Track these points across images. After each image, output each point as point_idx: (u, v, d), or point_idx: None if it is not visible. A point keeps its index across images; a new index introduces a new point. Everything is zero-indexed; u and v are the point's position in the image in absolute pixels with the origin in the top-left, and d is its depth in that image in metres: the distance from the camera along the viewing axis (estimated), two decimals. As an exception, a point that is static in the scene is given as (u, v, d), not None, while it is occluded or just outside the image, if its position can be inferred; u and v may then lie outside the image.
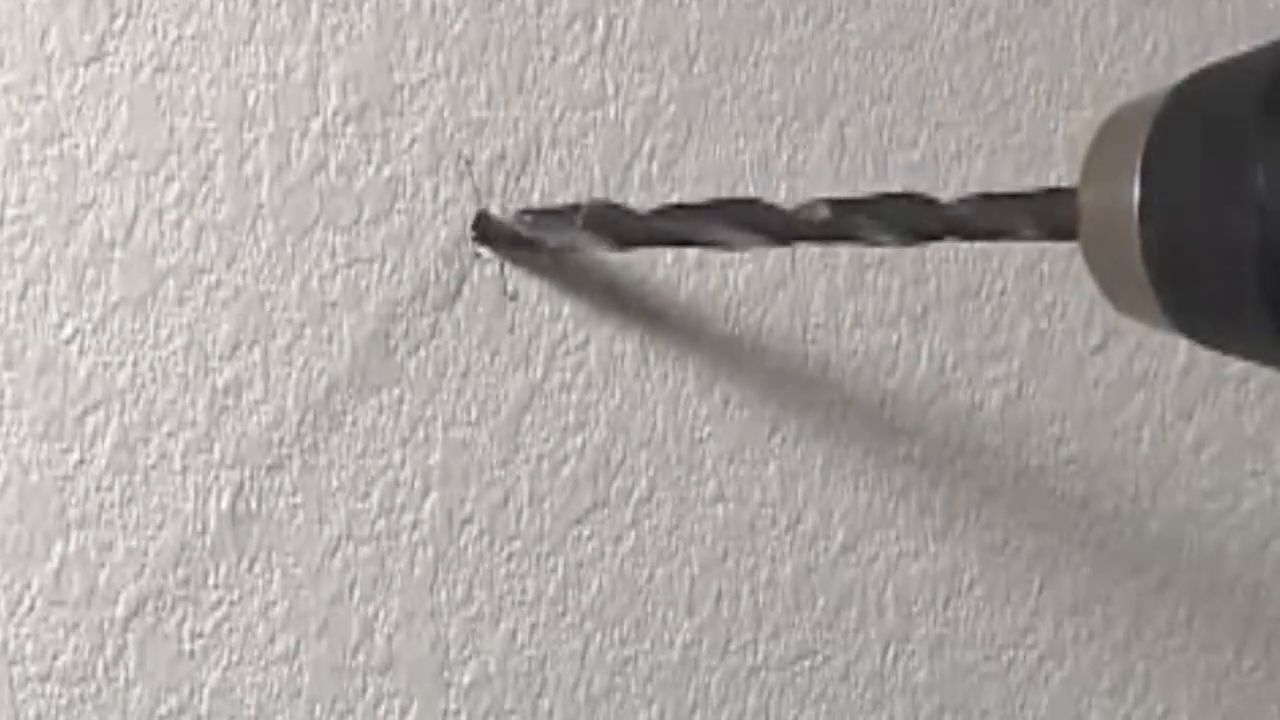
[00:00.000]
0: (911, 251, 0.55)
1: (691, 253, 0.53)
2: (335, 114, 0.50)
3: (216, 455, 0.50)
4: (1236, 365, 0.58)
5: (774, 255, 0.54)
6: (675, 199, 0.53)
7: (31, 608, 0.49)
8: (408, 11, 0.51)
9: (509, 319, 0.52)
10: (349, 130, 0.50)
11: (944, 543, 0.57)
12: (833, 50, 0.54)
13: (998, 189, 0.42)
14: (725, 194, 0.53)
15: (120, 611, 0.50)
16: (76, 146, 0.48)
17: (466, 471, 0.52)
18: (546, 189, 0.52)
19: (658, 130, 0.53)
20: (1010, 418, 0.57)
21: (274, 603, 0.51)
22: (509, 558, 0.53)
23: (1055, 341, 0.57)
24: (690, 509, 0.54)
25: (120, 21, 0.48)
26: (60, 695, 0.50)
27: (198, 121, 0.49)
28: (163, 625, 0.50)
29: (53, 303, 0.49)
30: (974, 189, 0.51)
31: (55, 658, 0.50)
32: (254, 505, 0.51)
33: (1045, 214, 0.39)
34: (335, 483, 0.51)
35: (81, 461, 0.49)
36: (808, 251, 0.54)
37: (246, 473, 0.50)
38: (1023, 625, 0.58)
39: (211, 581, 0.51)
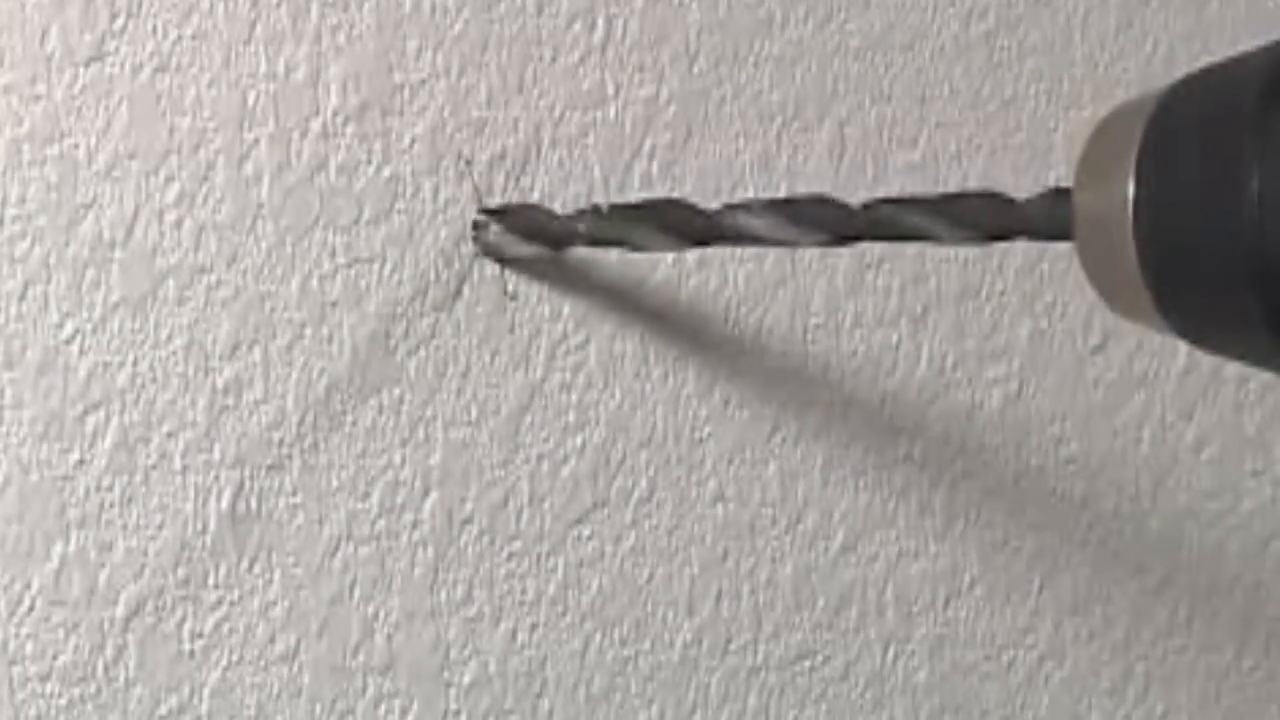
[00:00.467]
0: (911, 251, 0.55)
1: (691, 253, 0.53)
2: (335, 114, 0.50)
3: (216, 455, 0.50)
4: (1236, 365, 0.58)
5: (774, 255, 0.54)
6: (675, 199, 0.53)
7: (31, 608, 0.49)
8: (408, 11, 0.51)
9: (509, 319, 0.52)
10: (349, 130, 0.50)
11: (944, 543, 0.57)
12: (833, 50, 0.54)
13: (998, 189, 0.42)
14: (725, 194, 0.53)
15: (120, 611, 0.50)
16: (76, 146, 0.48)
17: (466, 471, 0.52)
18: (546, 189, 0.52)
19: (658, 130, 0.53)
20: (1010, 418, 0.57)
21: (274, 603, 0.51)
22: (509, 558, 0.53)
23: (1055, 341, 0.57)
24: (690, 509, 0.54)
25: (120, 21, 0.48)
26: (60, 695, 0.50)
27: (198, 121, 0.49)
28: (163, 625, 0.50)
29: (53, 303, 0.49)
30: (974, 189, 0.51)
31: (55, 658, 0.50)
32: (254, 505, 0.51)
33: (1043, 215, 0.39)
34: (335, 483, 0.51)
35: (81, 461, 0.49)
36: (808, 251, 0.54)
37: (246, 473, 0.50)
38: (1023, 625, 0.58)
39: (211, 581, 0.51)
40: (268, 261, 0.50)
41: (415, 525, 0.52)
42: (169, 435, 0.50)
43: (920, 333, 0.56)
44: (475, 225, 0.52)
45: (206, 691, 0.51)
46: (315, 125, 0.50)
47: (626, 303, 0.53)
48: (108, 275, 0.49)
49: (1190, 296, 0.36)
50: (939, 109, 0.55)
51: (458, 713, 0.53)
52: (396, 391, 0.52)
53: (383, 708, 0.52)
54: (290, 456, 0.51)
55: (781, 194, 0.54)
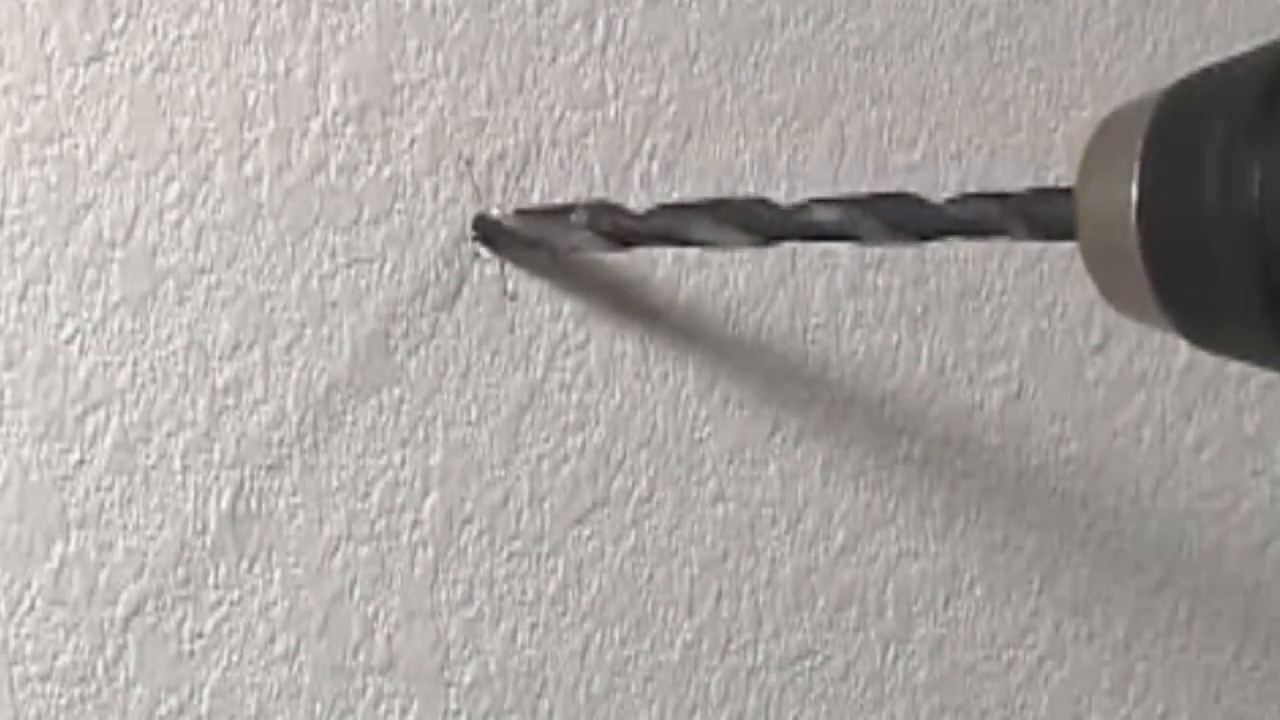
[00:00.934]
0: (911, 251, 0.55)
1: (691, 253, 0.53)
2: (335, 114, 0.50)
3: (216, 455, 0.50)
4: (1236, 365, 0.58)
5: (774, 255, 0.54)
6: (675, 199, 0.53)
7: (31, 608, 0.49)
8: (408, 11, 0.51)
9: (509, 319, 0.52)
10: (349, 130, 0.50)
11: (944, 543, 0.57)
12: (833, 50, 0.54)
13: (998, 189, 0.42)
14: (725, 194, 0.53)
15: (120, 611, 0.50)
16: (76, 146, 0.48)
17: (466, 471, 0.52)
18: (546, 189, 0.52)
19: (658, 130, 0.53)
20: (1010, 418, 0.57)
21: (274, 603, 0.51)
22: (509, 558, 0.53)
23: (1055, 341, 0.57)
24: (690, 509, 0.54)
25: (120, 21, 0.48)
26: (60, 695, 0.50)
27: (198, 121, 0.49)
28: (163, 625, 0.50)
29: (53, 303, 0.49)
30: (974, 189, 0.51)
31: (55, 658, 0.49)
32: (254, 505, 0.51)
33: (1044, 214, 0.39)
34: (335, 483, 0.51)
35: (81, 461, 0.49)
36: (808, 251, 0.54)
37: (246, 473, 0.50)
38: (1023, 625, 0.58)
39: (211, 581, 0.51)
40: (268, 261, 0.50)
41: (415, 525, 0.52)
42: (169, 435, 0.50)
43: (920, 333, 0.56)
44: (475, 225, 0.51)
45: (206, 691, 0.51)
46: (315, 125, 0.50)
47: (626, 303, 0.53)
48: (108, 275, 0.49)
49: (1192, 295, 0.36)
50: (939, 109, 0.55)
51: (458, 713, 0.53)
52: (396, 391, 0.52)
53: (383, 708, 0.52)
54: (290, 456, 0.51)
55: (781, 194, 0.54)
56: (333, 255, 0.51)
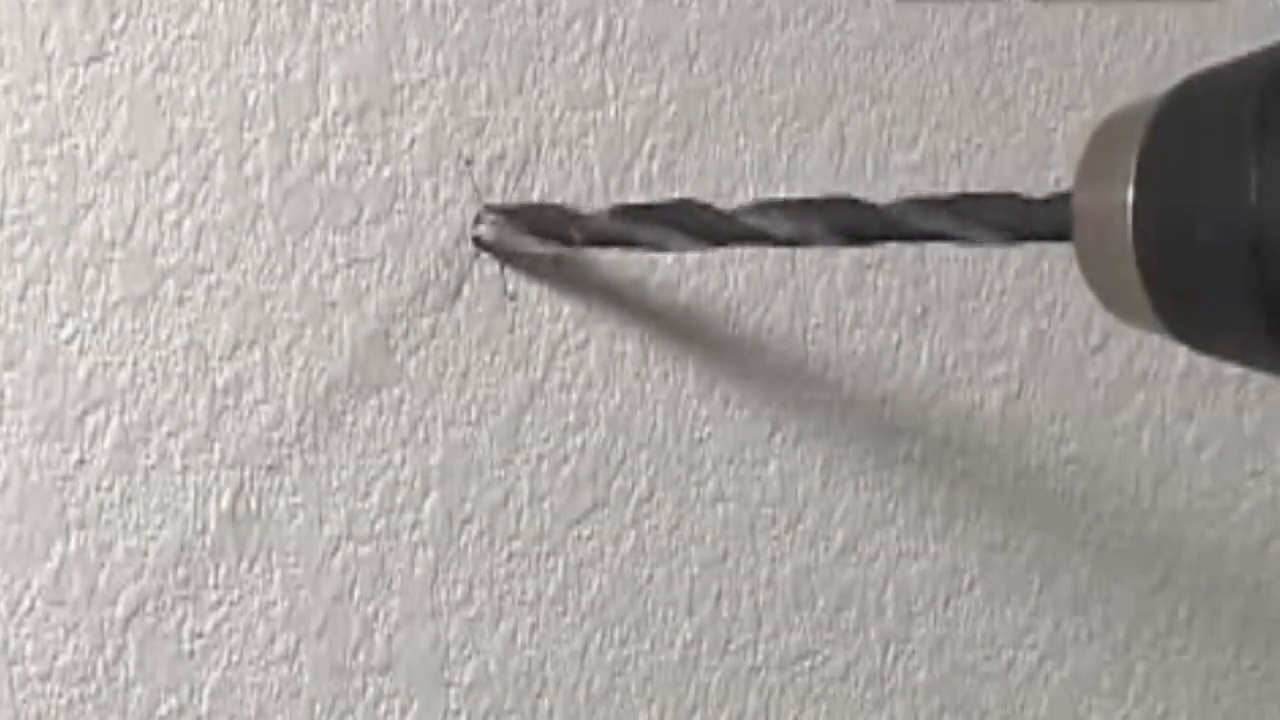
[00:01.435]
0: (911, 252, 0.55)
1: (691, 253, 0.53)
2: (335, 114, 0.50)
3: (216, 455, 0.50)
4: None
5: (774, 255, 0.54)
6: (676, 198, 0.53)
7: (31, 608, 0.49)
8: (408, 11, 0.51)
9: (509, 319, 0.52)
10: (349, 130, 0.50)
11: (944, 543, 0.57)
12: (833, 50, 0.54)
13: (998, 189, 0.42)
14: (725, 194, 0.53)
15: (120, 611, 0.50)
16: (76, 146, 0.48)
17: (466, 471, 0.52)
18: (546, 189, 0.52)
19: (658, 130, 0.53)
20: (1010, 418, 0.57)
21: (274, 603, 0.51)
22: (509, 558, 0.53)
23: (1055, 341, 0.57)
24: (690, 509, 0.54)
25: (120, 21, 0.48)
26: (60, 695, 0.50)
27: (198, 121, 0.49)
28: (163, 625, 0.50)
29: (53, 303, 0.49)
30: (974, 189, 0.51)
31: (55, 658, 0.50)
32: (254, 505, 0.51)
33: (1041, 216, 0.39)
34: (335, 483, 0.51)
35: (81, 461, 0.49)
36: (808, 251, 0.54)
37: (246, 473, 0.50)
38: (1023, 625, 0.58)
39: (211, 581, 0.51)
40: (268, 261, 0.50)
41: (415, 525, 0.52)
42: (169, 435, 0.50)
43: (920, 333, 0.56)
44: (475, 225, 0.51)
45: (206, 691, 0.51)
46: (315, 125, 0.50)
47: (626, 303, 0.53)
48: (108, 275, 0.49)
49: (1188, 300, 0.36)
50: (939, 109, 0.55)
51: (458, 713, 0.53)
52: (396, 391, 0.52)
53: (383, 708, 0.52)
54: (290, 456, 0.51)
55: (781, 194, 0.54)
56: (333, 255, 0.51)
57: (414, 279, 0.51)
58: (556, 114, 0.52)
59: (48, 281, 0.49)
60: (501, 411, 0.52)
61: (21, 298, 0.48)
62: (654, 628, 0.54)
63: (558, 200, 0.52)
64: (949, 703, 0.57)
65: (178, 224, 0.49)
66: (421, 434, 0.52)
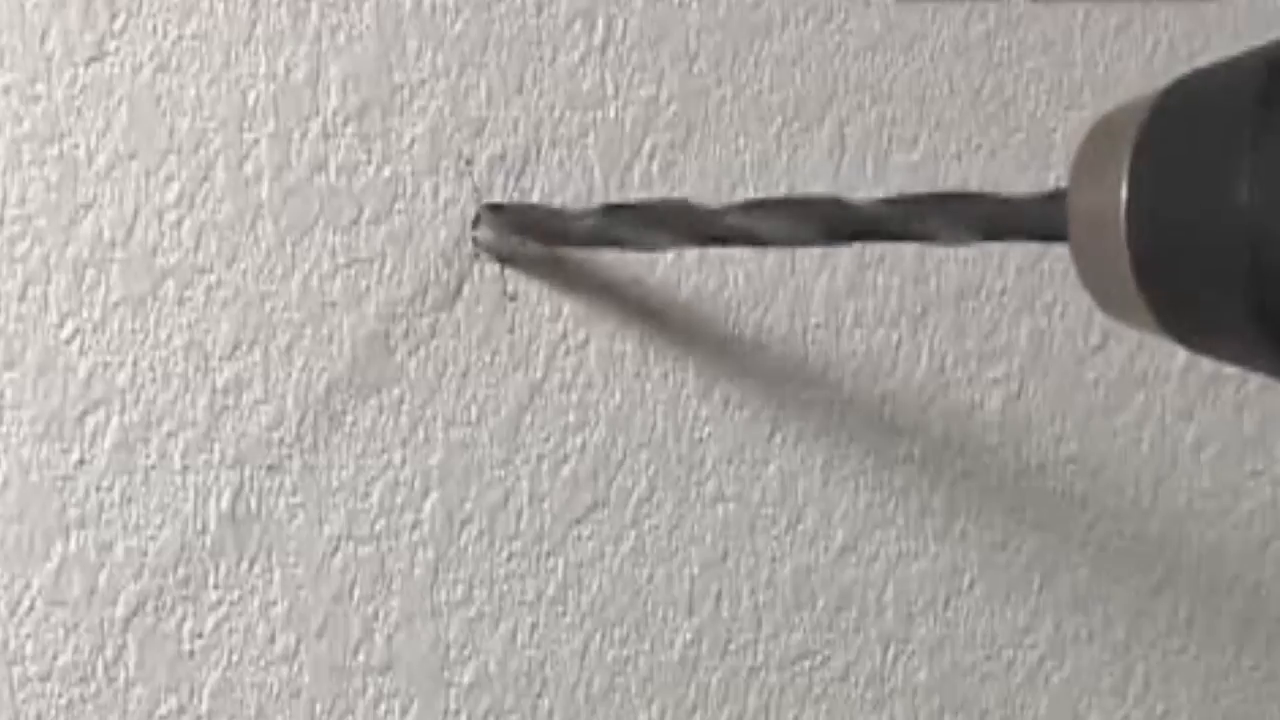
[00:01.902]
0: (911, 251, 0.55)
1: (691, 253, 0.53)
2: (335, 114, 0.50)
3: (216, 455, 0.50)
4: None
5: (774, 255, 0.54)
6: (676, 198, 0.53)
7: (31, 608, 0.49)
8: (408, 11, 0.51)
9: (509, 319, 0.52)
10: (349, 130, 0.50)
11: (944, 543, 0.57)
12: (833, 50, 0.54)
13: (998, 189, 0.42)
14: (725, 194, 0.53)
15: (120, 611, 0.50)
16: (76, 146, 0.48)
17: (466, 471, 0.52)
18: (546, 189, 0.52)
19: (658, 130, 0.53)
20: (1010, 418, 0.57)
21: (274, 603, 0.51)
22: (509, 558, 0.53)
23: (1055, 341, 0.57)
24: (690, 509, 0.54)
25: (120, 21, 0.48)
26: (60, 695, 0.50)
27: (198, 121, 0.49)
28: (163, 625, 0.50)
29: (53, 303, 0.49)
30: (974, 189, 0.51)
31: (55, 658, 0.50)
32: (254, 505, 0.51)
33: (1037, 216, 0.39)
34: (335, 483, 0.51)
35: (81, 461, 0.49)
36: (808, 251, 0.54)
37: (246, 473, 0.50)
38: (1023, 625, 0.58)
39: (211, 581, 0.51)
40: (268, 261, 0.50)
41: (415, 525, 0.52)
42: (169, 435, 0.50)
43: (920, 333, 0.56)
44: (475, 225, 0.51)
45: (206, 691, 0.51)
46: (315, 125, 0.50)
47: (626, 303, 0.53)
48: (108, 275, 0.49)
49: (1183, 299, 0.35)
50: (939, 109, 0.55)
51: (458, 713, 0.53)
52: (396, 391, 0.52)
53: (383, 708, 0.52)
54: (290, 456, 0.51)
55: (781, 194, 0.54)
56: (333, 255, 0.51)
57: (414, 279, 0.51)
58: (556, 114, 0.52)
59: (48, 281, 0.49)
60: (501, 411, 0.52)
61: (21, 298, 0.48)
62: (654, 628, 0.54)
63: (558, 200, 0.52)
64: (949, 703, 0.57)
65: (178, 224, 0.49)
66: (421, 434, 0.52)
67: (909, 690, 0.57)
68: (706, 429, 0.54)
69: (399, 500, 0.52)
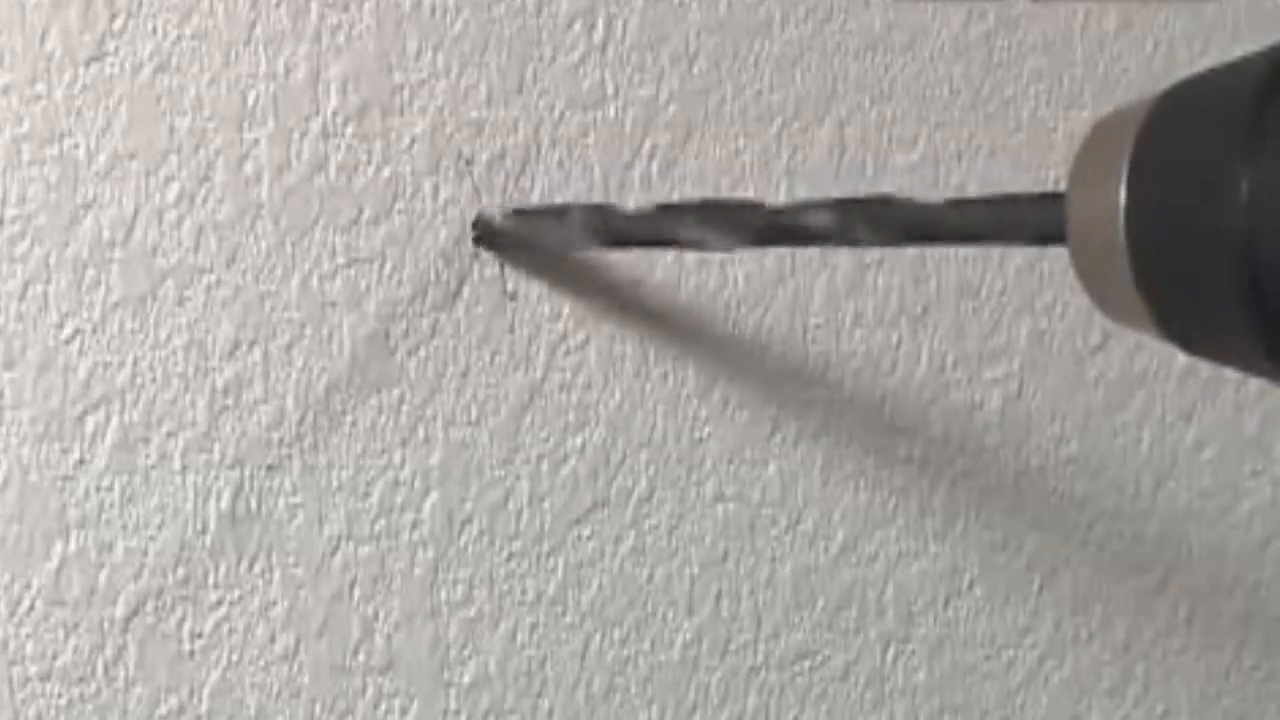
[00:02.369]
0: (911, 251, 0.55)
1: (691, 253, 0.53)
2: (335, 114, 0.50)
3: (216, 455, 0.50)
4: (1237, 365, 0.58)
5: (774, 255, 0.54)
6: (675, 199, 0.53)
7: (31, 608, 0.49)
8: (408, 11, 0.51)
9: (509, 319, 0.52)
10: (349, 130, 0.50)
11: (944, 543, 0.57)
12: (833, 50, 0.54)
13: (998, 189, 0.42)
14: (725, 194, 0.53)
15: (120, 611, 0.50)
16: (76, 146, 0.48)
17: (466, 471, 0.52)
18: (546, 189, 0.52)
19: (658, 130, 0.53)
20: (1010, 418, 0.57)
21: (274, 603, 0.51)
22: (509, 558, 0.53)
23: (1055, 341, 0.57)
24: (690, 509, 0.54)
25: (120, 21, 0.48)
26: (60, 695, 0.50)
27: (198, 121, 0.49)
28: (163, 625, 0.50)
29: (53, 303, 0.49)
30: (974, 189, 0.51)
31: (55, 658, 0.50)
32: (254, 505, 0.51)
33: (1036, 218, 0.39)
34: (335, 483, 0.51)
35: (81, 461, 0.49)
36: (808, 251, 0.54)
37: (246, 473, 0.50)
38: (1023, 625, 0.58)
39: (211, 581, 0.51)
40: (268, 261, 0.50)
41: (415, 525, 0.52)
42: (169, 435, 0.50)
43: (920, 333, 0.56)
44: (475, 225, 0.51)
45: (206, 691, 0.51)
46: (315, 125, 0.50)
47: (626, 303, 0.53)
48: (108, 275, 0.49)
49: (1181, 302, 0.35)
50: (939, 109, 0.55)
51: (458, 713, 0.53)
52: (396, 391, 0.52)
53: (383, 708, 0.52)
54: (290, 456, 0.51)
55: (781, 194, 0.54)
56: (333, 255, 0.51)
57: (414, 279, 0.51)
58: (556, 114, 0.52)
59: (48, 281, 0.49)
60: (501, 411, 0.52)
61: (21, 298, 0.48)
62: (654, 628, 0.54)
63: (558, 200, 0.52)
64: (949, 703, 0.57)
65: (178, 224, 0.49)
66: (421, 434, 0.52)
67: (909, 690, 0.57)
68: (706, 429, 0.54)
69: (399, 500, 0.52)
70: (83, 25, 0.48)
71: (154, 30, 0.49)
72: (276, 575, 0.51)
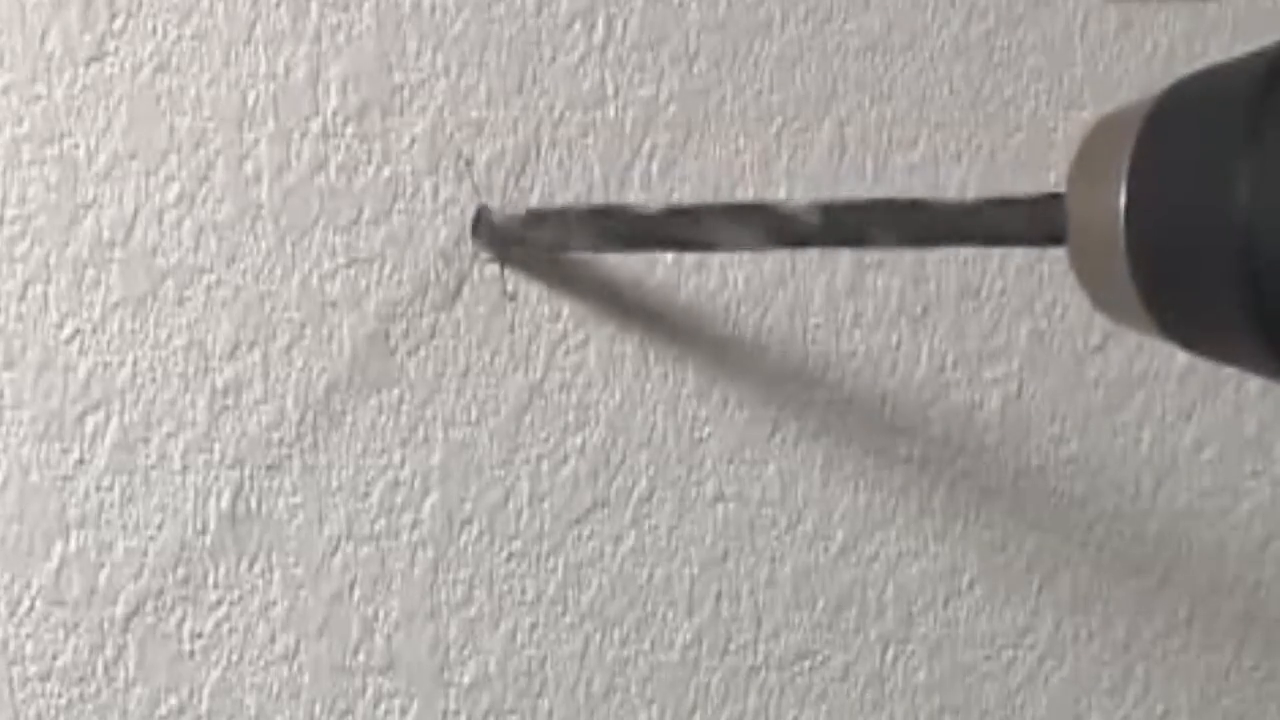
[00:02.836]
0: (911, 252, 0.55)
1: (691, 253, 0.53)
2: (335, 114, 0.50)
3: (216, 455, 0.50)
4: (1237, 365, 0.58)
5: (774, 255, 0.54)
6: (675, 199, 0.53)
7: (31, 608, 0.49)
8: (408, 11, 0.51)
9: (509, 319, 0.52)
10: (349, 130, 0.50)
11: (944, 543, 0.57)
12: (833, 50, 0.54)
13: (998, 190, 0.42)
14: (725, 194, 0.53)
15: (120, 611, 0.50)
16: (76, 146, 0.48)
17: (466, 471, 0.52)
18: (546, 189, 0.52)
19: (658, 130, 0.53)
20: (1010, 418, 0.57)
21: (274, 603, 0.51)
22: (509, 558, 0.53)
23: (1055, 341, 0.57)
24: (690, 509, 0.54)
25: (120, 21, 0.48)
26: (60, 695, 0.50)
27: (198, 121, 0.49)
28: (163, 625, 0.50)
29: (53, 303, 0.49)
30: (974, 189, 0.51)
31: (55, 658, 0.50)
32: (254, 505, 0.51)
33: (1035, 218, 0.39)
34: (335, 483, 0.51)
35: (81, 461, 0.49)
36: (808, 252, 0.54)
37: (246, 473, 0.50)
38: (1023, 625, 0.58)
39: (211, 581, 0.51)
40: (268, 261, 0.50)
41: (415, 525, 0.52)
42: (169, 435, 0.50)
43: (920, 333, 0.56)
44: (475, 225, 0.51)
45: (206, 691, 0.51)
46: (315, 125, 0.50)
47: (626, 303, 0.53)
48: (108, 275, 0.49)
49: (1181, 302, 0.35)
50: (939, 109, 0.55)
51: (458, 713, 0.53)
52: (396, 391, 0.52)
53: (383, 708, 0.52)
54: (290, 456, 0.51)
55: (781, 194, 0.54)
56: (333, 255, 0.51)
57: (414, 279, 0.51)
58: (556, 114, 0.52)
59: (48, 281, 0.49)
60: (501, 411, 0.52)
61: (21, 298, 0.48)
62: (654, 628, 0.54)
63: (558, 200, 0.52)
64: (949, 703, 0.57)
65: (178, 224, 0.49)
66: (421, 434, 0.52)
67: (909, 690, 0.57)
68: (706, 429, 0.54)
69: (399, 500, 0.52)
70: (83, 25, 0.48)
71: (154, 30, 0.49)
72: (276, 575, 0.51)
